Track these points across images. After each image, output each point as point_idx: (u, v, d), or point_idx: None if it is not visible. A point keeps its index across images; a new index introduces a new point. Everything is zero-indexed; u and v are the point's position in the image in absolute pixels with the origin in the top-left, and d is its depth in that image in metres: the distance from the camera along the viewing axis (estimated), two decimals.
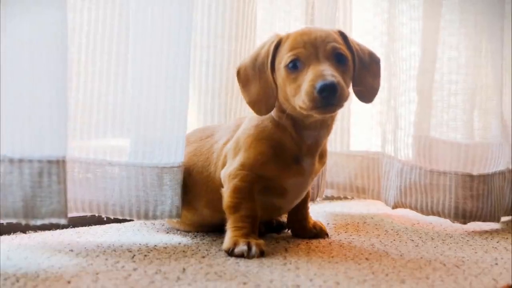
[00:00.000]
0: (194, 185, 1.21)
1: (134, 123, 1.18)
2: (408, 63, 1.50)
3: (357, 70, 1.13)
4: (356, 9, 1.64)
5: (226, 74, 1.40)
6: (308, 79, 1.03)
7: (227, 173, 1.14)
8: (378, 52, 1.57)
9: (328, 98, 1.01)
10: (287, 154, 1.13)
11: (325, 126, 1.14)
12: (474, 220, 1.43)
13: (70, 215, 1.28)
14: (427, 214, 1.46)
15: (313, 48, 1.07)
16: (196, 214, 1.23)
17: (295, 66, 1.07)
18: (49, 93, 1.02)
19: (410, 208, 1.48)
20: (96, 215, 1.19)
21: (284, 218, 1.33)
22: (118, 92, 1.19)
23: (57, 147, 1.02)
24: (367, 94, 1.15)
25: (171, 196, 1.18)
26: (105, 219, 1.24)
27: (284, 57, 1.08)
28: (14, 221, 1.01)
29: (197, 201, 1.21)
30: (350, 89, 1.12)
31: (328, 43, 1.07)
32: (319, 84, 1.01)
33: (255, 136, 1.14)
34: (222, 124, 1.32)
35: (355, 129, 1.69)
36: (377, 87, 1.17)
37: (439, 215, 1.44)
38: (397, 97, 1.52)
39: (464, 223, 1.43)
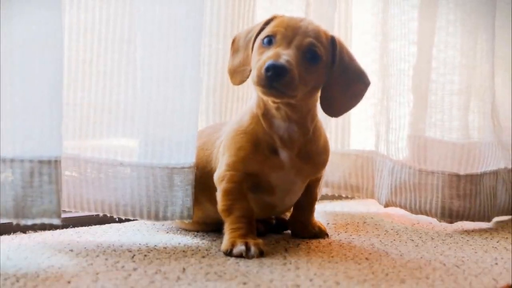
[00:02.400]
0: (199, 178, 1.21)
1: (144, 122, 1.18)
2: (403, 63, 1.50)
3: (334, 79, 1.12)
4: (357, 9, 1.64)
5: (221, 73, 1.40)
6: (265, 56, 1.05)
7: (217, 176, 1.15)
8: (377, 52, 1.58)
9: (272, 79, 1.02)
10: (263, 145, 1.13)
11: (293, 120, 1.13)
12: (461, 219, 1.43)
13: (72, 215, 1.29)
14: (416, 213, 1.46)
15: (292, 34, 1.08)
16: (201, 209, 1.23)
17: (269, 42, 1.08)
18: (42, 94, 1.01)
19: (400, 207, 1.48)
20: (108, 215, 1.19)
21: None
22: (129, 92, 1.19)
23: (50, 147, 1.02)
24: (335, 108, 1.15)
25: (181, 197, 1.18)
26: (116, 219, 1.24)
27: (264, 32, 1.10)
28: (5, 220, 1.02)
29: (201, 195, 1.21)
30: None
31: (308, 36, 1.08)
32: (268, 62, 1.02)
33: (233, 132, 1.15)
34: (229, 121, 1.32)
35: (353, 129, 1.68)
36: (350, 107, 1.17)
37: (427, 214, 1.45)
38: (390, 96, 1.51)
39: (451, 222, 1.44)
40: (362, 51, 1.63)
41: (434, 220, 1.50)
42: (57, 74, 1.04)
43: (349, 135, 1.66)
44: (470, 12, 1.46)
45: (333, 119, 1.62)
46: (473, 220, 1.44)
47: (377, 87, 1.59)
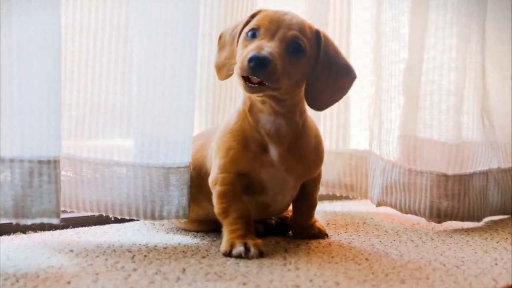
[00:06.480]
0: (197, 179, 1.21)
1: (140, 122, 1.18)
2: (400, 64, 1.50)
3: (319, 73, 1.11)
4: (357, 8, 1.64)
5: (214, 73, 1.39)
6: (249, 48, 1.05)
7: (211, 180, 1.15)
8: (374, 52, 1.58)
9: (254, 70, 1.01)
10: (251, 142, 1.13)
11: (280, 114, 1.12)
12: (450, 219, 1.43)
13: (72, 215, 1.29)
14: (406, 212, 1.47)
15: (276, 27, 1.08)
16: (201, 209, 1.23)
17: (253, 35, 1.09)
18: (41, 93, 1.02)
19: (391, 206, 1.49)
20: (104, 214, 1.20)
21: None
22: (125, 92, 1.20)
23: (49, 147, 1.02)
24: (319, 101, 1.14)
25: (177, 197, 1.18)
26: (113, 218, 1.24)
27: (249, 25, 1.10)
28: (4, 220, 1.02)
29: (199, 195, 1.21)
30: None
31: (291, 29, 1.08)
32: (251, 54, 1.02)
33: (222, 132, 1.16)
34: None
35: (352, 128, 1.68)
36: (335, 101, 1.18)
37: (416, 214, 1.45)
38: (384, 97, 1.52)
39: (439, 222, 1.44)
40: (362, 52, 1.63)
41: None
42: (56, 74, 1.04)
43: (348, 134, 1.66)
44: (462, 14, 1.46)
45: (334, 118, 1.62)
46: (462, 220, 1.44)
47: (375, 87, 1.59)
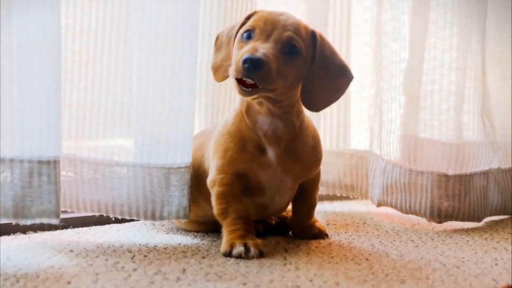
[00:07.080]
0: (195, 178, 1.21)
1: (140, 122, 1.18)
2: (396, 65, 1.50)
3: (315, 74, 1.11)
4: (357, 8, 1.64)
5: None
6: (244, 50, 1.05)
7: (209, 181, 1.15)
8: (375, 52, 1.58)
9: (249, 71, 1.01)
10: (249, 143, 1.13)
11: (276, 116, 1.12)
12: (450, 219, 1.44)
13: (72, 215, 1.29)
14: (406, 213, 1.47)
15: (271, 28, 1.07)
16: (200, 209, 1.23)
17: (248, 36, 1.08)
18: (41, 93, 1.02)
19: (391, 206, 1.49)
20: (104, 215, 1.20)
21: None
22: (125, 92, 1.20)
23: (48, 147, 1.03)
24: (315, 102, 1.13)
25: (178, 197, 1.18)
26: (113, 218, 1.24)
27: (244, 26, 1.10)
28: (4, 220, 1.02)
29: (198, 194, 1.22)
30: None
31: (286, 30, 1.08)
32: (245, 55, 1.02)
33: (219, 133, 1.16)
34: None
35: (353, 129, 1.68)
36: (331, 102, 1.17)
37: (416, 214, 1.45)
38: (385, 97, 1.52)
39: (440, 222, 1.45)
40: (363, 52, 1.63)
41: None
42: (56, 74, 1.04)
43: (348, 134, 1.66)
44: (462, 14, 1.46)
45: (334, 118, 1.62)
46: (462, 220, 1.45)
47: (376, 87, 1.58)
